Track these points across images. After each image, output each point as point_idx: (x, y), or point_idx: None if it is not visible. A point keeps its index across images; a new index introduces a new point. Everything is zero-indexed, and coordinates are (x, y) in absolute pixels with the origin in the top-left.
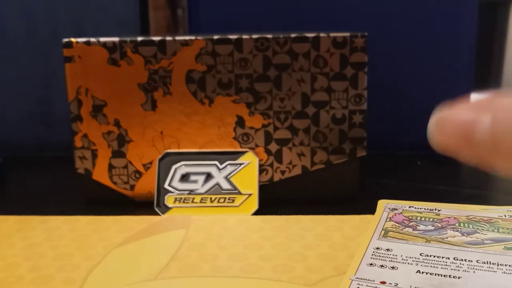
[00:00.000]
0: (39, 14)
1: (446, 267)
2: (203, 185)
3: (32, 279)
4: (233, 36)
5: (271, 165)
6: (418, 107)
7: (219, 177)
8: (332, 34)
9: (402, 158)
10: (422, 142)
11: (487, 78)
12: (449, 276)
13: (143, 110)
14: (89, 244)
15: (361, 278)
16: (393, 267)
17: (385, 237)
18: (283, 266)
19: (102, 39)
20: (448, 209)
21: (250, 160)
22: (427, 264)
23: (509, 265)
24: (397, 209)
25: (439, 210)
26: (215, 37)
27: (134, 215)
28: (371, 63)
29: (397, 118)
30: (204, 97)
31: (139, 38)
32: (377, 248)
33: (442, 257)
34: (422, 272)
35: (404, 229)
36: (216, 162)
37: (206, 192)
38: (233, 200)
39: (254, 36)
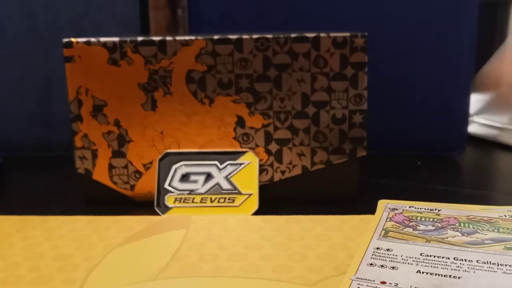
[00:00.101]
0: (39, 14)
1: (446, 267)
2: (203, 185)
3: (32, 279)
4: (233, 36)
5: (271, 165)
6: (418, 107)
7: (219, 177)
8: (332, 34)
9: (402, 158)
10: (422, 142)
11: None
12: (449, 276)
13: (143, 110)
14: (89, 244)
15: (361, 278)
16: (393, 267)
17: (385, 237)
18: (283, 266)
19: (102, 39)
20: (448, 209)
21: (250, 160)
22: (427, 264)
23: (509, 265)
24: (397, 209)
25: (439, 210)
26: (215, 37)
27: (134, 215)
28: (371, 63)
29: (397, 118)
30: (204, 97)
31: (139, 38)
32: (377, 248)
33: (442, 257)
34: (422, 272)
35: (404, 229)
36: (216, 162)
37: (206, 192)
38: (233, 200)
39: (254, 36)
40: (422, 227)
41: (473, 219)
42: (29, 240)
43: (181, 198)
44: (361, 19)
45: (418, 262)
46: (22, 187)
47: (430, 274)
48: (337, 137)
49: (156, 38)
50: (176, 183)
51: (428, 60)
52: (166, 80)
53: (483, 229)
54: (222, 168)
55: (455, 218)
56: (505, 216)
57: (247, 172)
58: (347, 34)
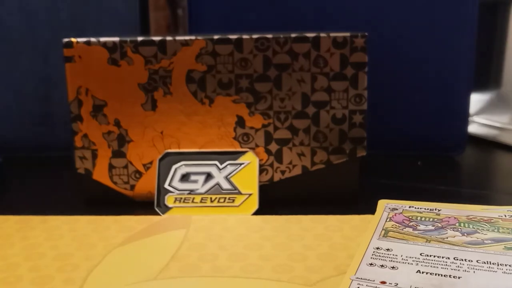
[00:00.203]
0: (39, 14)
1: (446, 267)
2: (203, 185)
3: (32, 279)
4: (233, 36)
5: (271, 165)
6: (418, 107)
7: (219, 177)
8: (332, 34)
9: (402, 158)
10: (422, 142)
11: (487, 78)
12: (449, 276)
13: (143, 110)
14: (89, 244)
15: (361, 278)
16: (393, 267)
17: (385, 237)
18: (283, 266)
19: (102, 39)
20: (448, 209)
21: (250, 160)
22: (427, 264)
23: (509, 265)
24: (397, 209)
25: (439, 210)
26: (215, 37)
27: (134, 215)
28: (371, 63)
29: (397, 118)
30: (204, 97)
31: (139, 38)
32: (377, 248)
33: (442, 257)
34: (422, 272)
35: (404, 229)
36: (216, 162)
37: (206, 192)
38: (233, 200)
39: (254, 36)
40: (422, 227)
41: (473, 219)
42: (29, 240)
43: (181, 198)
44: (361, 19)
45: (418, 262)
46: (22, 187)
47: (430, 274)
48: (337, 137)
49: (156, 38)
50: (176, 183)
51: (428, 60)
52: (166, 80)
53: (483, 229)
54: (222, 168)
55: (455, 218)
56: (505, 216)
57: (247, 172)
58: (347, 34)
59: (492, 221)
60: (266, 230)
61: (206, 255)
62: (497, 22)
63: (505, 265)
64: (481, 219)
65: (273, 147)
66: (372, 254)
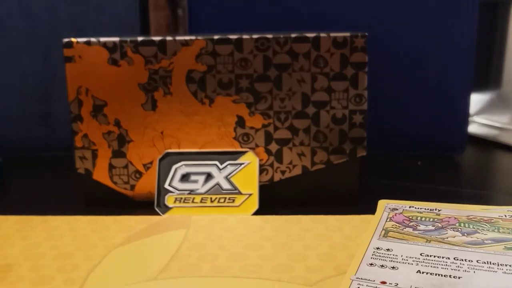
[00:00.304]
0: (39, 14)
1: (447, 267)
2: (203, 185)
3: (32, 279)
4: (233, 36)
5: (271, 165)
6: (418, 107)
7: (219, 177)
8: (332, 34)
9: (402, 158)
10: (422, 142)
11: (487, 78)
12: (450, 276)
13: (143, 110)
14: (89, 244)
15: (361, 278)
16: (393, 267)
17: (386, 237)
18: (283, 266)
19: (102, 39)
20: (448, 209)
21: (250, 160)
22: (427, 264)
23: (510, 265)
24: (397, 209)
25: (439, 210)
26: (216, 37)
27: (134, 215)
28: (371, 63)
29: (397, 118)
30: (205, 97)
31: (139, 38)
32: (378, 248)
33: (443, 257)
34: (423, 272)
35: (404, 229)
36: (217, 162)
37: (206, 192)
38: (233, 200)
39: (254, 36)
40: (422, 227)
41: (473, 219)
42: (29, 240)
43: (181, 198)
44: (361, 19)
45: (418, 262)
46: (22, 187)
47: (430, 274)
48: (337, 137)
49: (156, 38)
50: (176, 183)
51: (428, 60)
52: (166, 80)
53: (483, 229)
54: (222, 168)
55: (455, 218)
56: (505, 216)
57: (247, 172)
58: (347, 34)
59: (492, 221)
60: (266, 230)
61: (206, 255)
62: (497, 22)
63: (505, 265)
64: (481, 219)
65: (273, 147)
66: (372, 254)
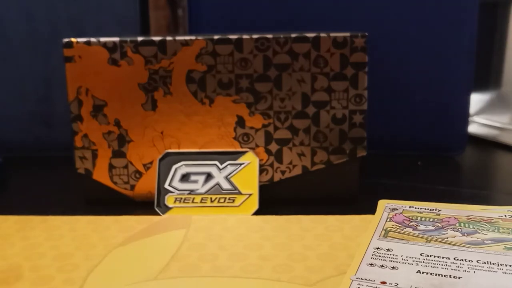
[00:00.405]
0: (39, 14)
1: (447, 267)
2: (203, 185)
3: (32, 279)
4: (233, 36)
5: (271, 165)
6: (418, 107)
7: (219, 177)
8: (332, 34)
9: (402, 158)
10: (422, 142)
11: (487, 78)
12: (450, 276)
13: (143, 110)
14: (89, 244)
15: (361, 278)
16: (393, 267)
17: (386, 237)
18: (283, 266)
19: (102, 39)
20: (448, 209)
21: (250, 160)
22: (427, 264)
23: (510, 265)
24: (397, 209)
25: (439, 210)
26: (216, 37)
27: (134, 215)
28: (371, 63)
29: (397, 118)
30: (205, 97)
31: (139, 38)
32: (378, 248)
33: (443, 257)
34: (423, 272)
35: (404, 229)
36: (216, 162)
37: (206, 192)
38: (233, 200)
39: (254, 36)
40: (422, 227)
41: (473, 219)
42: (29, 240)
43: (181, 198)
44: (361, 19)
45: (418, 262)
46: (22, 187)
47: (430, 274)
48: (337, 137)
49: (156, 38)
50: (176, 183)
51: (428, 60)
52: (166, 80)
53: (483, 229)
54: (222, 168)
55: (455, 218)
56: (505, 216)
57: (247, 172)
58: (347, 34)
59: (492, 221)
60: (266, 230)
61: (206, 255)
62: (497, 22)
63: (505, 265)
64: (481, 219)
65: (273, 147)
66: (372, 254)
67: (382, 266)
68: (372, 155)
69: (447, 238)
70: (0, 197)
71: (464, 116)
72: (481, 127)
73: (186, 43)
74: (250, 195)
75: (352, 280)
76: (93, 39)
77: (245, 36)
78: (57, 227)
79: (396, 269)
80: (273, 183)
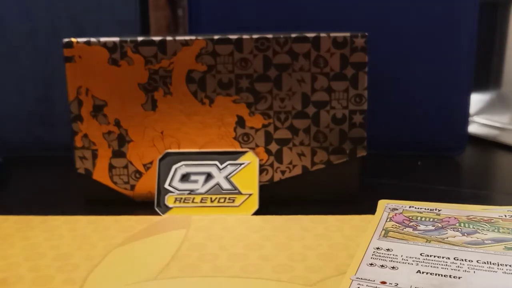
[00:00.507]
0: (39, 14)
1: (447, 267)
2: (203, 185)
3: (32, 279)
4: (233, 36)
5: (271, 165)
6: (418, 107)
7: (219, 177)
8: (332, 34)
9: (402, 158)
10: (422, 142)
11: (487, 78)
12: (450, 276)
13: (143, 110)
14: (89, 244)
15: (361, 278)
16: (393, 267)
17: (386, 237)
18: (283, 266)
19: (103, 39)
20: (448, 209)
21: (250, 160)
22: (427, 264)
23: (510, 265)
24: (397, 209)
25: (439, 210)
26: (216, 37)
27: (134, 215)
28: (371, 63)
29: (397, 118)
30: (205, 97)
31: (140, 38)
32: (378, 248)
33: (443, 257)
34: (423, 272)
35: (404, 229)
36: (217, 162)
37: (206, 192)
38: (233, 200)
39: (254, 36)
40: (422, 227)
41: (473, 219)
42: (29, 240)
43: (181, 198)
44: (361, 19)
45: (418, 262)
46: (22, 187)
47: (430, 274)
48: (337, 137)
49: (156, 38)
50: (176, 183)
51: (428, 60)
52: (166, 80)
53: (483, 229)
54: (222, 168)
55: (455, 218)
56: (505, 216)
57: (247, 172)
58: (347, 34)
59: (492, 221)
60: (266, 230)
61: (206, 255)
62: (497, 22)
63: (505, 265)
64: (481, 219)
65: (273, 147)
66: (372, 254)
67: (382, 266)
68: (372, 155)
69: (447, 238)
70: (0, 197)
71: (464, 116)
72: (481, 127)
73: (186, 43)
74: (250, 195)
75: (352, 280)
76: (93, 39)
77: (245, 36)
78: (57, 227)
79: (396, 269)
80: (273, 183)
